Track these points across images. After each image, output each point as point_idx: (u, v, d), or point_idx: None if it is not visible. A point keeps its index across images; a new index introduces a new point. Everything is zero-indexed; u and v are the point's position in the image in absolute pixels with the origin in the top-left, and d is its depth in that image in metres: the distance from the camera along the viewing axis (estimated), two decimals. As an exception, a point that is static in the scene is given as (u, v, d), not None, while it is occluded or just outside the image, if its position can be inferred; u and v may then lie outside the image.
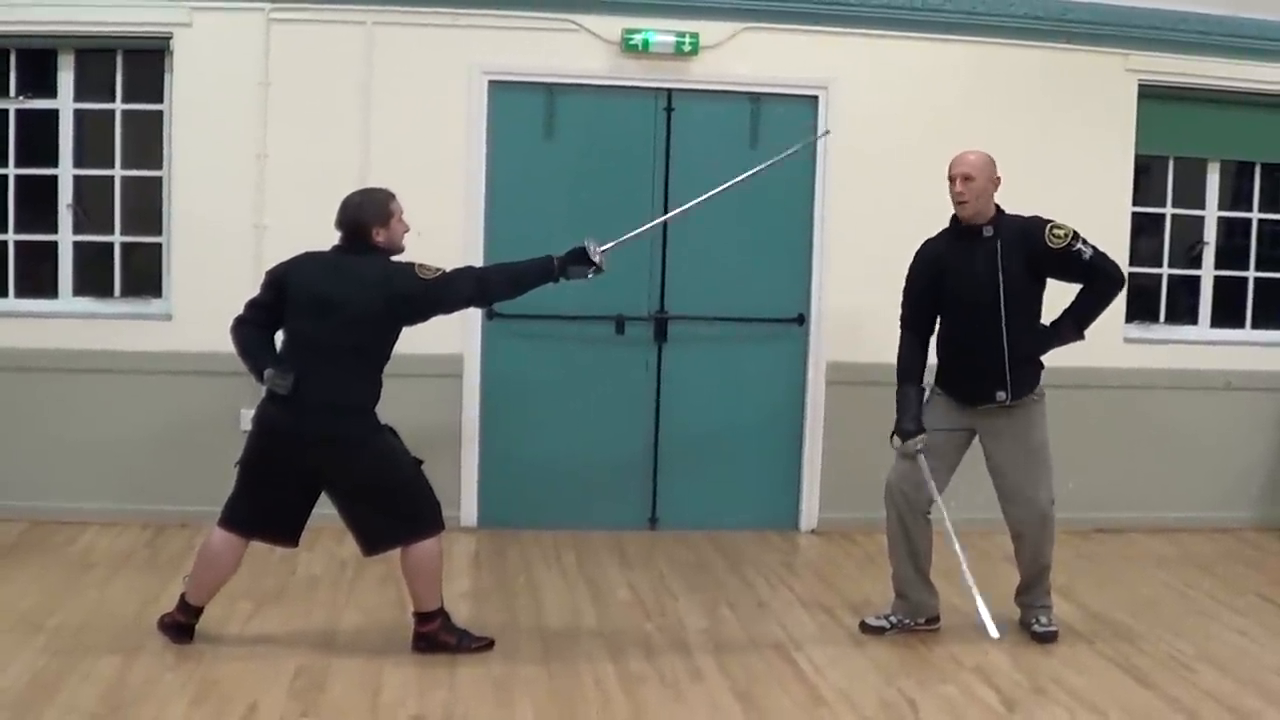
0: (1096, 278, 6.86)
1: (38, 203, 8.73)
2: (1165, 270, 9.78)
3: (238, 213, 8.50)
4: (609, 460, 9.00)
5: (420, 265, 6.32)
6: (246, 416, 8.44)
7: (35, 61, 8.69)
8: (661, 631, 7.01)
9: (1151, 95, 9.37)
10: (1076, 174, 9.17)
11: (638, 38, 8.69)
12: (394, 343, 6.45)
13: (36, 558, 7.86)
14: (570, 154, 8.86)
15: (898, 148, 8.92)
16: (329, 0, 8.53)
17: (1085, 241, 6.79)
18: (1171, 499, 9.57)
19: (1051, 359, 8.75)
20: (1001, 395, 6.91)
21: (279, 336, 6.49)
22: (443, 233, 8.52)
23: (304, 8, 8.52)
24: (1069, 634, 7.13)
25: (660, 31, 8.71)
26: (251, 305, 6.52)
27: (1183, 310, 9.87)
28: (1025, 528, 7.06)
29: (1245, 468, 9.70)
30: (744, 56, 8.86)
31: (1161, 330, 9.74)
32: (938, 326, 7.13)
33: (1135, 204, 9.48)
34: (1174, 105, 9.47)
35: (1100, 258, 6.80)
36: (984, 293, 6.83)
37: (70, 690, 5.79)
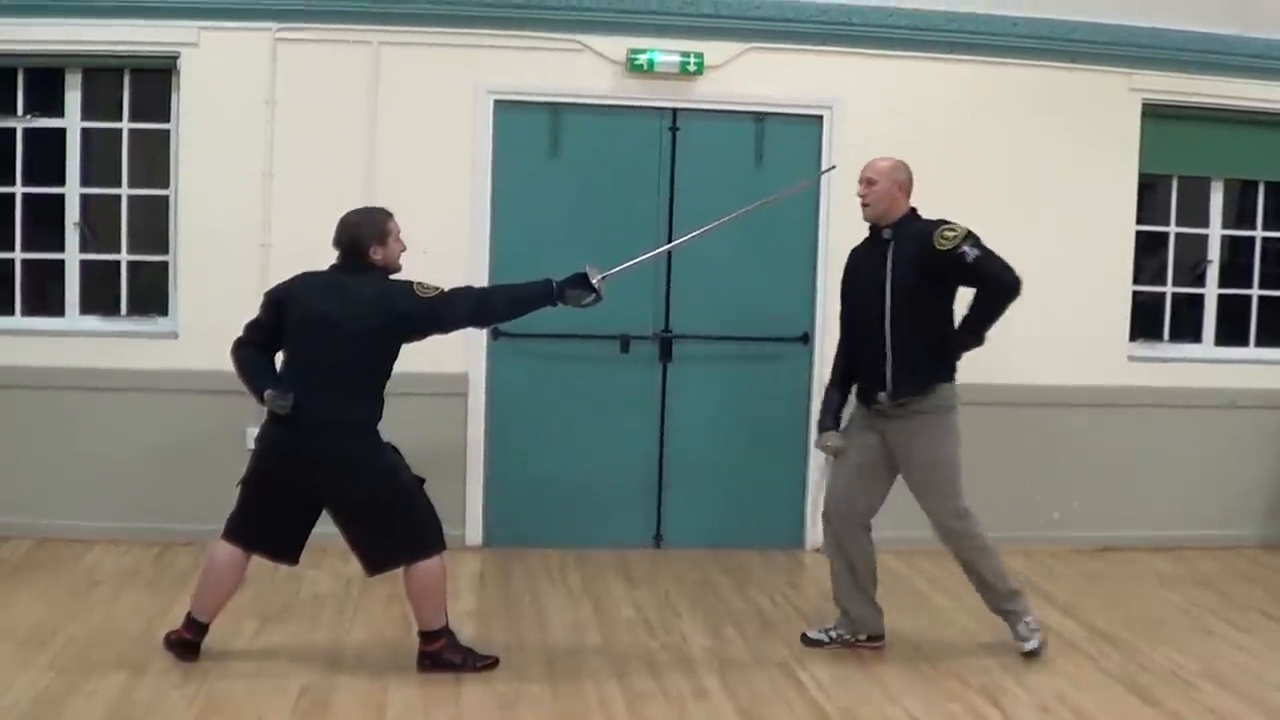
0: (983, 282, 6.75)
1: (45, 221, 8.74)
2: (1169, 288, 9.76)
3: (244, 231, 8.52)
4: (614, 479, 9.00)
5: (419, 284, 6.35)
6: (252, 435, 8.41)
7: (43, 80, 8.71)
8: (666, 650, 7.02)
9: (1155, 114, 9.38)
10: (1080, 193, 9.20)
11: (643, 58, 8.71)
12: (393, 361, 6.47)
13: (42, 575, 7.87)
14: (575, 173, 8.87)
15: (902, 167, 8.94)
16: (335, 20, 8.55)
17: (978, 244, 6.72)
18: (1176, 517, 9.57)
19: (1059, 377, 8.83)
20: (882, 397, 6.92)
21: (280, 357, 6.53)
22: (448, 251, 8.55)
23: (310, 27, 8.54)
24: (1073, 651, 7.15)
25: (665, 52, 8.73)
26: (251, 326, 6.56)
27: (1187, 328, 9.86)
28: (943, 541, 7.10)
29: (1249, 486, 9.70)
30: (749, 76, 8.88)
31: (1165, 348, 9.73)
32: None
33: (1139, 223, 9.49)
34: (1177, 124, 9.48)
35: (987, 261, 6.69)
36: (874, 294, 6.89)
37: (76, 708, 5.81)
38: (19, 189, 8.67)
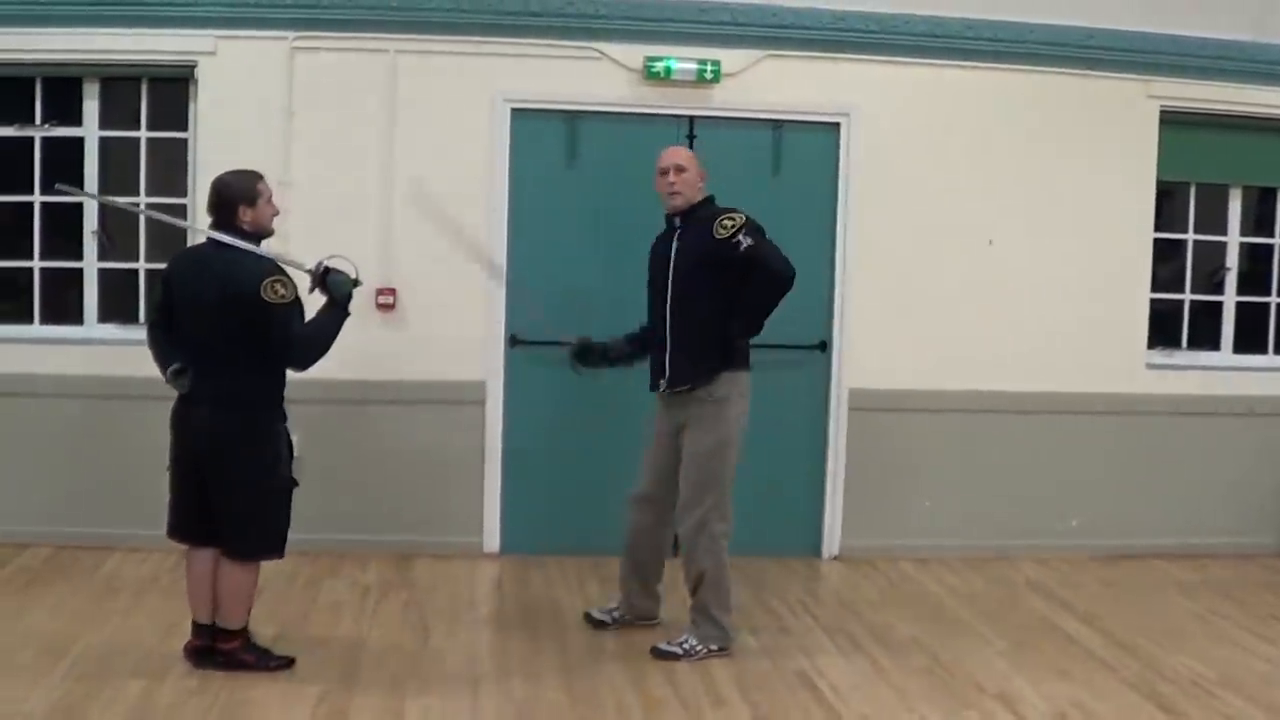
0: (757, 271, 6.82)
1: (63, 230, 8.77)
2: (1187, 296, 9.73)
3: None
4: (631, 487, 8.98)
5: (277, 280, 6.18)
6: (270, 442, 8.46)
7: (61, 90, 8.74)
8: (684, 657, 6.99)
9: (1173, 121, 9.35)
10: (1098, 200, 9.19)
11: (660, 65, 8.71)
12: (259, 337, 6.21)
13: (62, 583, 7.88)
14: (592, 181, 8.86)
15: (919, 175, 8.93)
16: (352, 29, 8.56)
17: (756, 234, 6.82)
18: (1194, 525, 9.53)
19: (1074, 385, 8.77)
20: (661, 384, 7.13)
21: None
22: (466, 259, 8.56)
23: (327, 36, 8.56)
24: (1091, 660, 7.13)
25: (682, 59, 8.73)
26: (152, 308, 6.65)
27: (1205, 336, 9.82)
28: (678, 529, 7.24)
29: (1268, 493, 9.65)
30: (766, 84, 8.87)
31: (1184, 356, 9.70)
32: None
33: (1157, 230, 9.45)
34: (1195, 131, 9.45)
35: (761, 250, 6.79)
36: (660, 281, 7.09)
37: (95, 716, 5.82)
38: (37, 198, 8.68)
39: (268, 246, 6.45)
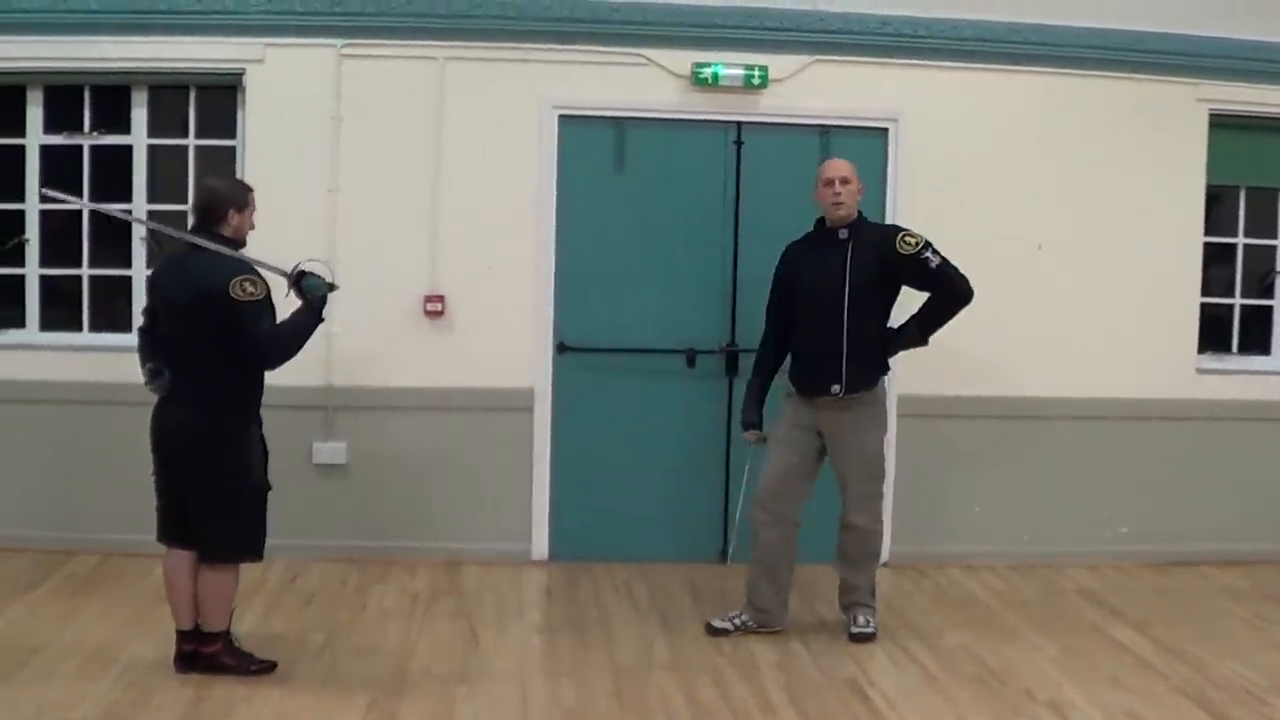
0: (941, 287, 7.26)
1: (112, 238, 8.80)
2: (1238, 300, 9.65)
3: (309, 246, 8.45)
4: (680, 493, 8.97)
5: (246, 279, 6.16)
6: (318, 450, 8.49)
7: (109, 98, 8.77)
8: (733, 665, 6.99)
9: (1222, 124, 9.28)
10: (1147, 204, 9.13)
11: (707, 71, 8.69)
12: (229, 337, 6.19)
13: (111, 590, 7.91)
14: (640, 187, 8.84)
15: (967, 179, 8.89)
16: (400, 36, 8.57)
17: (936, 252, 7.21)
18: (1245, 531, 9.45)
19: (1125, 391, 8.70)
20: (836, 388, 7.27)
21: None
22: (513, 266, 8.57)
23: (375, 43, 8.57)
24: (1142, 667, 7.08)
25: (730, 65, 8.71)
26: (143, 313, 6.67)
27: (1256, 340, 9.74)
28: (851, 530, 7.59)
29: (1320, 499, 9.58)
30: (813, 89, 8.84)
31: (1234, 361, 9.61)
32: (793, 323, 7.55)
33: (1207, 234, 9.37)
34: (1245, 134, 9.38)
35: (947, 268, 7.21)
36: (829, 291, 7.24)
37: (145, 722, 5.84)
38: (86, 205, 8.67)
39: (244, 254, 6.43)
